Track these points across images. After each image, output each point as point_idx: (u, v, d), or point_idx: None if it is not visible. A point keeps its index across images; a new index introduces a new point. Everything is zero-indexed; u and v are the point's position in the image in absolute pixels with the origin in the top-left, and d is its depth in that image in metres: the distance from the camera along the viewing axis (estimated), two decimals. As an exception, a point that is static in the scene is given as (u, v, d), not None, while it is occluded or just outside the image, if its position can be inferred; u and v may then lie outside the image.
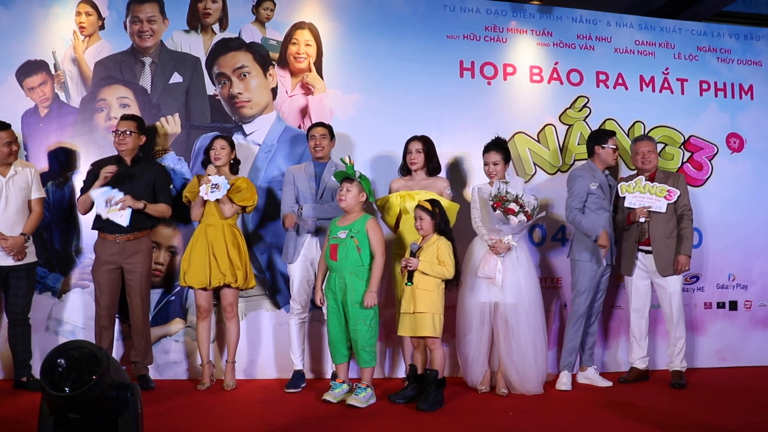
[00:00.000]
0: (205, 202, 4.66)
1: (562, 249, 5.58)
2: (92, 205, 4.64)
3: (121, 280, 4.80)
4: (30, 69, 5.13)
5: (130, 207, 4.55)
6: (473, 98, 5.59)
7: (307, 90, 5.38)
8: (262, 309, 5.28)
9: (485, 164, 4.86)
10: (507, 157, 4.90)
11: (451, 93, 5.52)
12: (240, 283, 4.72)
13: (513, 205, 4.57)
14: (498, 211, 4.54)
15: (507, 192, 4.63)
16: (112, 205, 4.47)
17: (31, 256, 4.73)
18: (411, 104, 5.49)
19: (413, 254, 4.42)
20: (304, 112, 5.38)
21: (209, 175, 4.63)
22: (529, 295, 4.70)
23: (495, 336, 4.72)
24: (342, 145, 5.20)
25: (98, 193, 4.52)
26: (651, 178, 5.21)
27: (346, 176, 4.49)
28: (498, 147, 4.84)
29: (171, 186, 5.03)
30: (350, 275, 4.42)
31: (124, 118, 4.80)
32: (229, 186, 4.61)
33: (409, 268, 4.40)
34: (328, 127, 4.91)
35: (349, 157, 4.56)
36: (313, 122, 5.09)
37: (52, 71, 5.17)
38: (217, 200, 4.62)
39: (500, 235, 4.63)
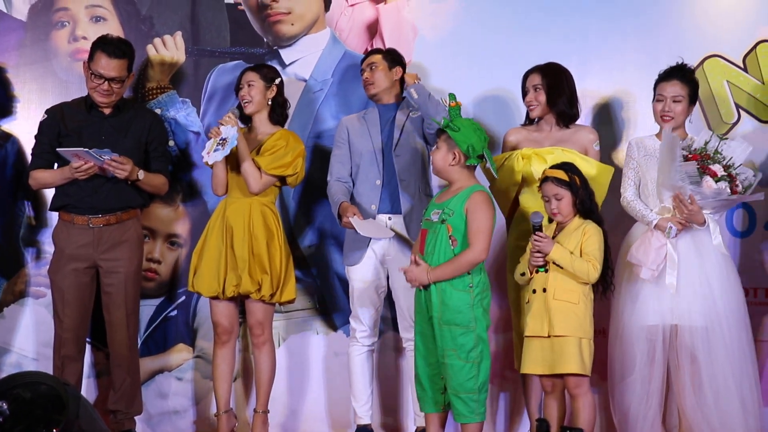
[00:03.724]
0: (227, 169, 4.18)
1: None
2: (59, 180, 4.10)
3: (96, 286, 4.23)
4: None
5: (127, 177, 4.05)
6: (636, 4, 4.58)
7: (378, -6, 4.74)
8: (310, 331, 4.66)
9: (658, 100, 4.06)
10: (693, 94, 4.09)
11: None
12: (265, 293, 4.11)
13: (718, 168, 3.83)
14: (692, 164, 3.86)
15: (717, 152, 3.86)
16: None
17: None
18: (537, 14, 4.57)
19: (537, 228, 3.75)
20: (373, 29, 4.64)
21: (221, 125, 4.04)
22: (729, 314, 3.89)
23: (673, 378, 3.96)
24: (428, 79, 4.37)
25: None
26: None
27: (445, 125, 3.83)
28: (682, 76, 4.07)
29: (170, 144, 4.46)
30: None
31: (105, 48, 4.09)
32: (236, 142, 4.04)
33: (539, 249, 3.70)
34: (386, 53, 4.28)
35: (453, 96, 3.83)
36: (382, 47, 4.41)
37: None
38: (216, 163, 4.07)
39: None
